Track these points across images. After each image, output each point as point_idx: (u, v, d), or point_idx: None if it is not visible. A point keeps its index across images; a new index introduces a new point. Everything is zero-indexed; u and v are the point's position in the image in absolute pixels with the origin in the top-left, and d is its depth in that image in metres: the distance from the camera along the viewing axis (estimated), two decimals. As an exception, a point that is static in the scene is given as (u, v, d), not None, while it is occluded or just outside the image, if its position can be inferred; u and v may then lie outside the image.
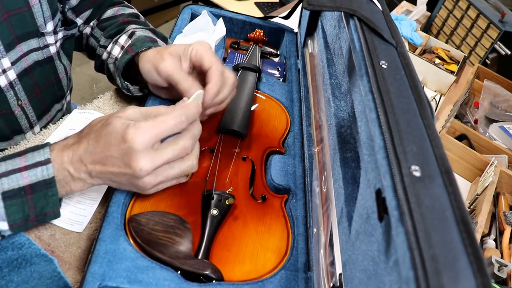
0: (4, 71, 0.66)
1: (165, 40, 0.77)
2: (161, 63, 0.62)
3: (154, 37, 0.74)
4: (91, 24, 0.82)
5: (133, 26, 0.76)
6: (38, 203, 0.47)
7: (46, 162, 0.47)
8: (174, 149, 0.49)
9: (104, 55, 0.76)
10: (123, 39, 0.72)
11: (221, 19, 0.91)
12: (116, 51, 0.72)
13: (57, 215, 0.49)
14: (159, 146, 0.49)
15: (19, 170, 0.47)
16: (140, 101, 0.75)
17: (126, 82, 0.70)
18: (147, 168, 0.47)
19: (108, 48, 0.75)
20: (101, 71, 0.81)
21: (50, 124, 0.70)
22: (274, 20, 1.00)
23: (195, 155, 0.53)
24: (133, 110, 0.51)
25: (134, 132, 0.46)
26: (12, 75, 0.67)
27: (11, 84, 0.68)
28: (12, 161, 0.48)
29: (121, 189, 0.53)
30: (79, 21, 0.81)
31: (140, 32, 0.72)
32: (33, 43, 0.69)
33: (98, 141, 0.48)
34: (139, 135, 0.46)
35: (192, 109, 0.52)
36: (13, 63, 0.67)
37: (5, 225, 0.46)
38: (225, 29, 0.90)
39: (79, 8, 0.79)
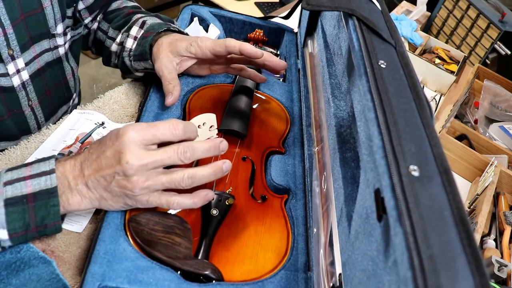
0: (18, 71, 0.67)
1: (171, 21, 0.79)
2: (156, 62, 0.67)
3: (162, 22, 0.76)
4: (98, 18, 0.83)
5: (139, 15, 0.78)
6: (39, 212, 0.47)
7: (51, 172, 0.48)
8: (165, 151, 0.49)
9: (113, 47, 0.78)
10: (134, 30, 0.74)
11: (212, 24, 0.91)
12: (130, 43, 0.74)
13: (58, 228, 0.49)
14: (153, 148, 0.49)
15: (24, 178, 0.48)
16: (140, 101, 0.75)
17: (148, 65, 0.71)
18: (133, 162, 0.46)
19: (118, 39, 0.77)
20: (108, 64, 0.83)
21: (50, 124, 0.70)
22: (274, 20, 1.00)
23: (189, 170, 0.50)
24: (137, 123, 0.52)
25: (126, 129, 0.48)
26: (25, 75, 0.68)
27: (23, 84, 0.69)
28: (18, 170, 0.49)
29: (115, 207, 0.51)
30: (88, 18, 0.81)
31: (151, 20, 0.75)
32: (45, 44, 0.70)
33: (97, 147, 0.49)
34: (131, 130, 0.48)
35: (194, 125, 0.53)
36: (27, 64, 0.68)
37: (4, 233, 0.46)
38: (218, 32, 0.90)
39: (94, 6, 0.80)
